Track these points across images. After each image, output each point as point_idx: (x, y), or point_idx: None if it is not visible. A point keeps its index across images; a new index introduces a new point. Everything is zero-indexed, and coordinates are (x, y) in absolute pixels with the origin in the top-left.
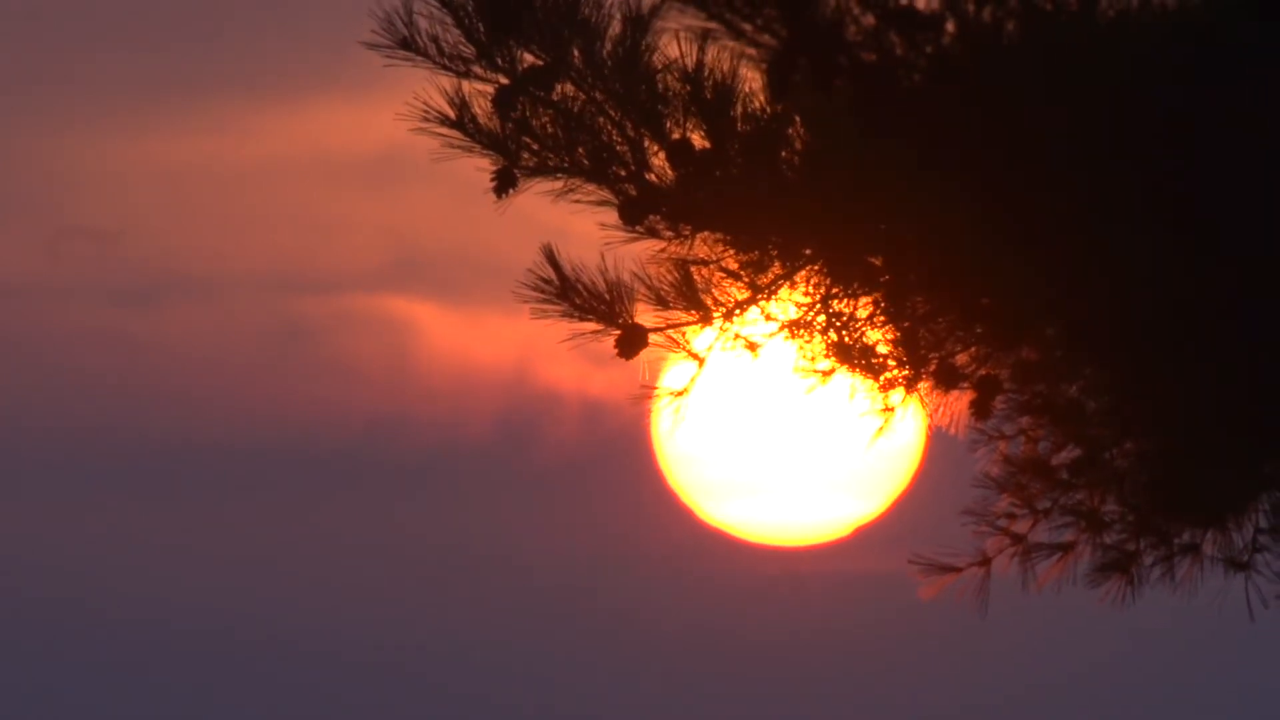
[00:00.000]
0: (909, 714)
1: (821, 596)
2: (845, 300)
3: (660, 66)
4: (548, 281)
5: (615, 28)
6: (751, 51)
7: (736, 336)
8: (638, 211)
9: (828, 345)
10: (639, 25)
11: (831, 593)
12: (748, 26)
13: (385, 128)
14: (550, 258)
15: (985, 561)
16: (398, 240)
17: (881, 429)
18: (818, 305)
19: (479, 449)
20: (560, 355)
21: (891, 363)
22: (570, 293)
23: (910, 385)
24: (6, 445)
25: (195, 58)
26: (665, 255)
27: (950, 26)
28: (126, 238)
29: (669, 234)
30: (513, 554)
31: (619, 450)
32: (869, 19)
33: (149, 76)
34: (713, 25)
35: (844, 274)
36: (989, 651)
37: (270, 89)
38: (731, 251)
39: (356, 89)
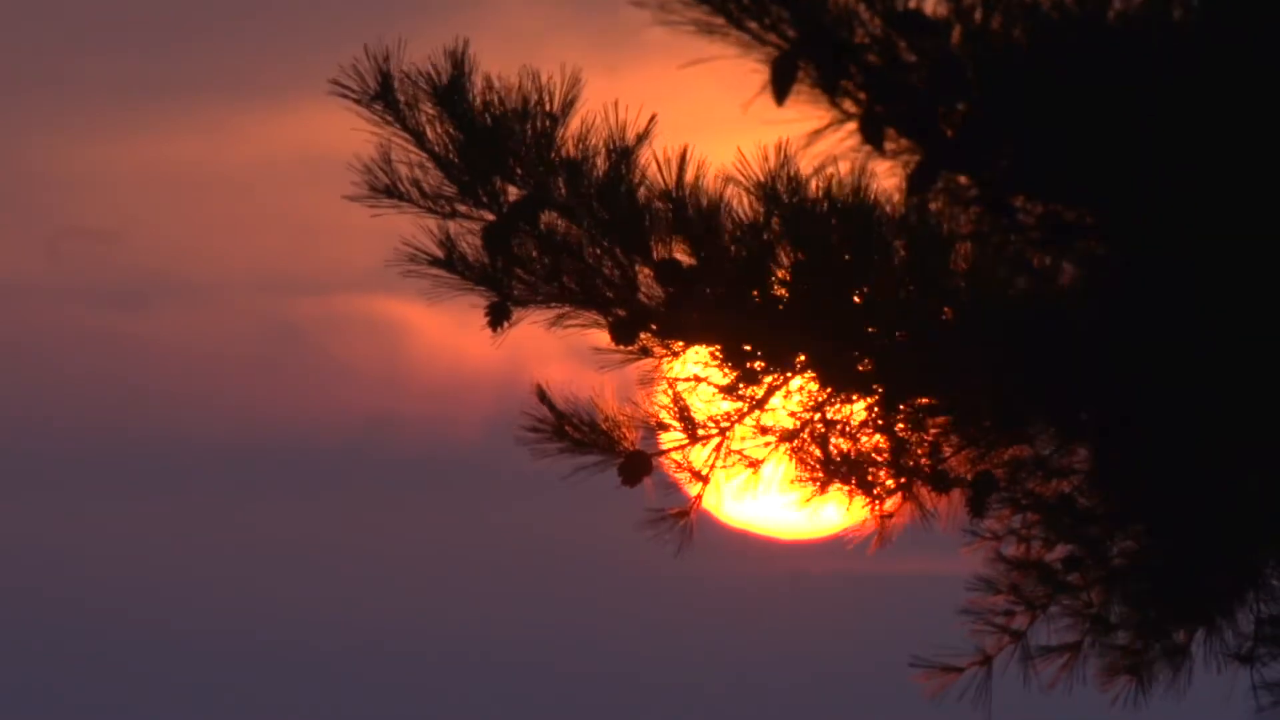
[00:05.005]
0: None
1: (818, 595)
2: (839, 407)
3: (643, 192)
4: (543, 421)
5: (599, 157)
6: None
7: (730, 452)
8: (629, 331)
9: (821, 460)
10: (624, 155)
11: (828, 591)
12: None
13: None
14: (543, 397)
15: (986, 660)
16: (389, 241)
17: (878, 538)
18: (812, 414)
19: (474, 448)
20: (553, 354)
21: (883, 473)
22: (567, 427)
23: (905, 494)
24: (3, 445)
25: (187, 59)
26: (658, 374)
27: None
28: (121, 239)
29: (661, 351)
30: (509, 554)
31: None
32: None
33: (142, 78)
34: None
35: (836, 381)
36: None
37: (262, 90)
38: (723, 367)
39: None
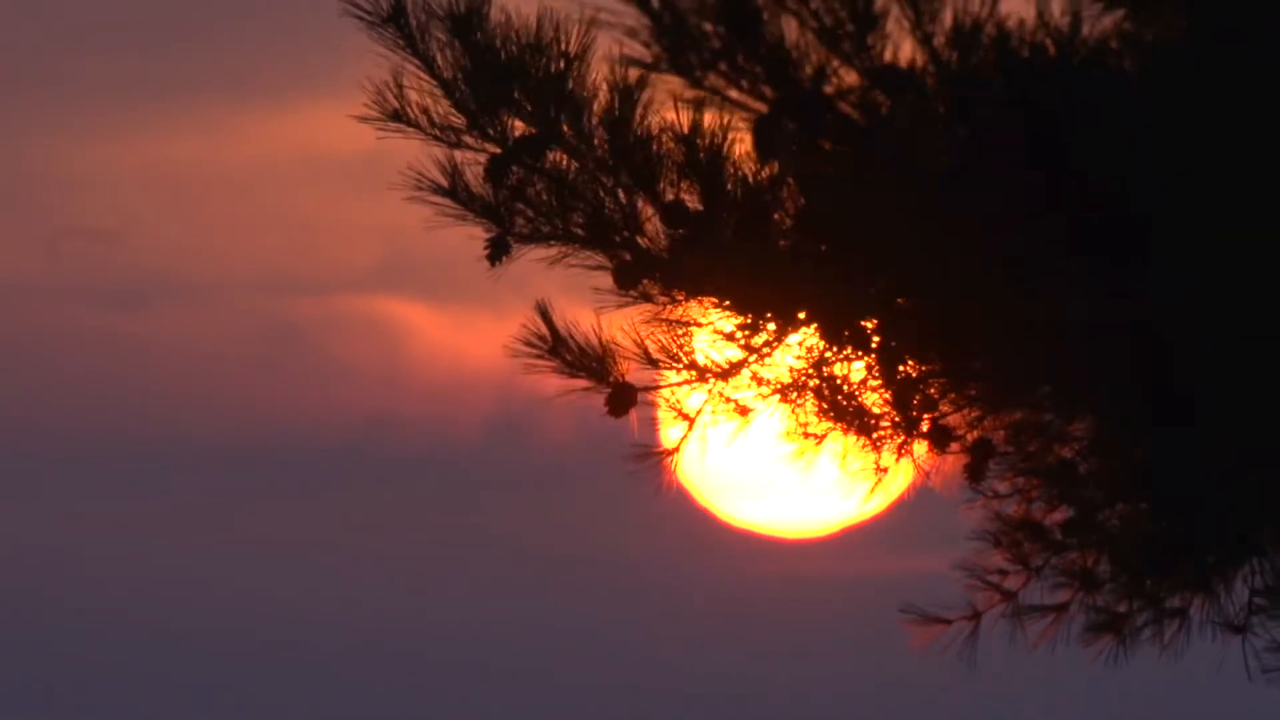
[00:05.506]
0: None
1: (814, 596)
2: (839, 362)
3: (655, 130)
4: (540, 338)
5: (603, 97)
6: (740, 116)
7: (727, 400)
8: (632, 276)
9: (820, 408)
10: (625, 95)
11: (826, 592)
12: (734, 92)
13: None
14: (543, 314)
15: (975, 616)
16: (388, 241)
17: (874, 488)
18: (811, 368)
19: (473, 448)
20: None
21: (884, 424)
22: (561, 349)
23: (903, 447)
24: (3, 445)
25: (187, 59)
26: (659, 318)
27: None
28: (121, 239)
29: (663, 299)
30: (509, 554)
31: (610, 449)
32: (852, 76)
33: (142, 78)
34: (700, 93)
35: (837, 337)
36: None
37: (262, 90)
38: (725, 315)
39: (347, 90)
